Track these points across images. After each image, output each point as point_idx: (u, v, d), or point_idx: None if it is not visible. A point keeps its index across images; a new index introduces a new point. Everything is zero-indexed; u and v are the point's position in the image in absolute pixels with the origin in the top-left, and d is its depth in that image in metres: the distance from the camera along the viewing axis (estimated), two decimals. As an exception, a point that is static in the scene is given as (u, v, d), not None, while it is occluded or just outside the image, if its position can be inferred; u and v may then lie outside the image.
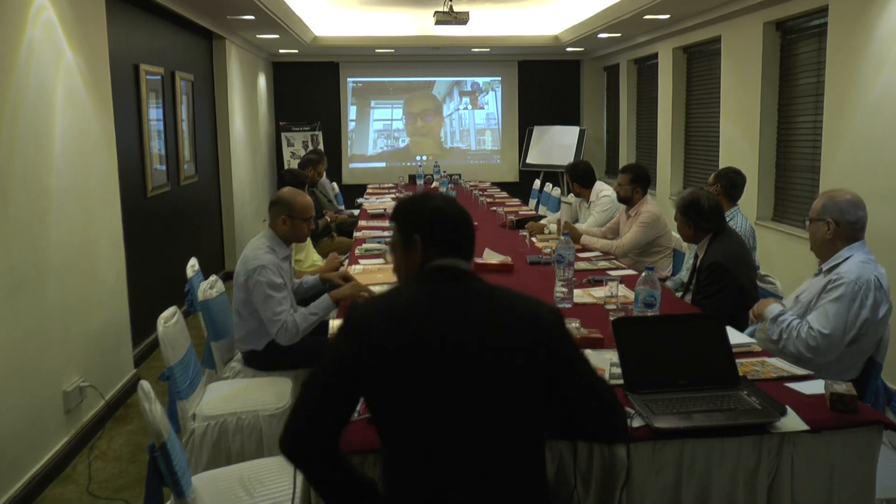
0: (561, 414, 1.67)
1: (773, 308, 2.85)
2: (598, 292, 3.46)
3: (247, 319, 3.33)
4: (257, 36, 8.14)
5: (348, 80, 11.16)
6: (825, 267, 2.79)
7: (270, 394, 3.09)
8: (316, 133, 10.72)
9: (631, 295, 3.29)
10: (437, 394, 1.56)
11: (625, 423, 1.74)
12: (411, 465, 1.58)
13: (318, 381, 1.61)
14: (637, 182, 4.70)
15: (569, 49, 10.07)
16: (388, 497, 1.61)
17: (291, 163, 10.03)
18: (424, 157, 11.16)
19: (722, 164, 6.51)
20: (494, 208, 6.43)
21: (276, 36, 8.18)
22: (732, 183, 4.21)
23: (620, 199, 4.81)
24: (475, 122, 11.46)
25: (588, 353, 2.53)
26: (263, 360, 3.39)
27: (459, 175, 9.17)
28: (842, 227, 2.72)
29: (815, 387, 2.28)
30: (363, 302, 1.70)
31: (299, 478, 1.97)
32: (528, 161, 10.72)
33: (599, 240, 4.82)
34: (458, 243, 1.72)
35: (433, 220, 1.73)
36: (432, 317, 1.61)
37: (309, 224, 3.49)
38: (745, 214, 4.20)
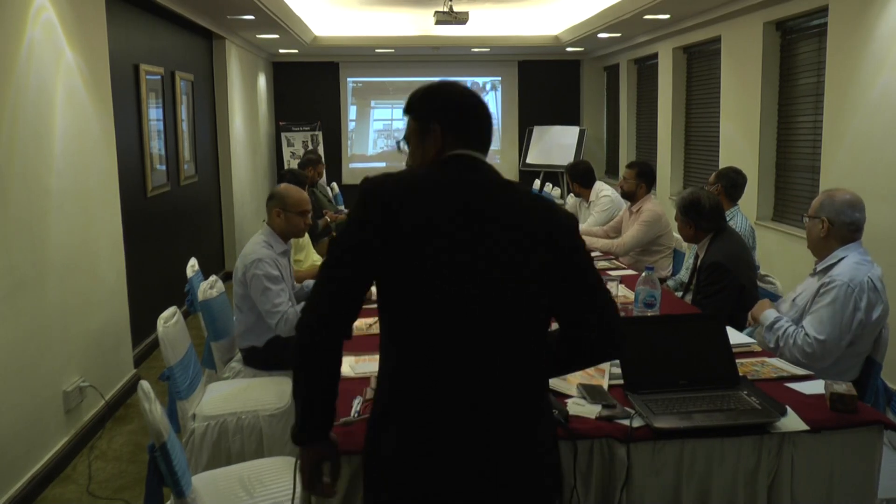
0: (564, 319, 1.64)
1: (768, 314, 2.83)
2: (598, 292, 3.46)
3: (246, 314, 3.36)
4: (257, 36, 8.14)
5: (348, 80, 11.16)
6: (819, 267, 2.78)
7: (270, 394, 3.10)
8: (316, 133, 10.72)
9: (631, 295, 3.29)
10: (453, 276, 1.52)
11: (624, 337, 1.67)
12: (418, 351, 1.53)
13: (340, 251, 1.56)
14: (642, 178, 4.70)
15: (569, 49, 10.07)
16: (393, 388, 1.56)
17: (291, 163, 10.03)
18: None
19: (722, 165, 6.51)
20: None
21: (276, 36, 8.18)
22: (733, 183, 4.21)
23: (624, 194, 4.82)
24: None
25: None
26: (264, 358, 3.39)
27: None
28: (836, 227, 2.71)
29: (815, 387, 2.29)
30: (378, 175, 1.62)
31: (299, 478, 1.97)
32: (527, 161, 10.72)
33: (600, 239, 4.82)
34: (478, 135, 1.67)
35: (455, 108, 1.67)
36: (454, 199, 1.56)
37: (304, 219, 3.50)
38: (744, 214, 4.20)
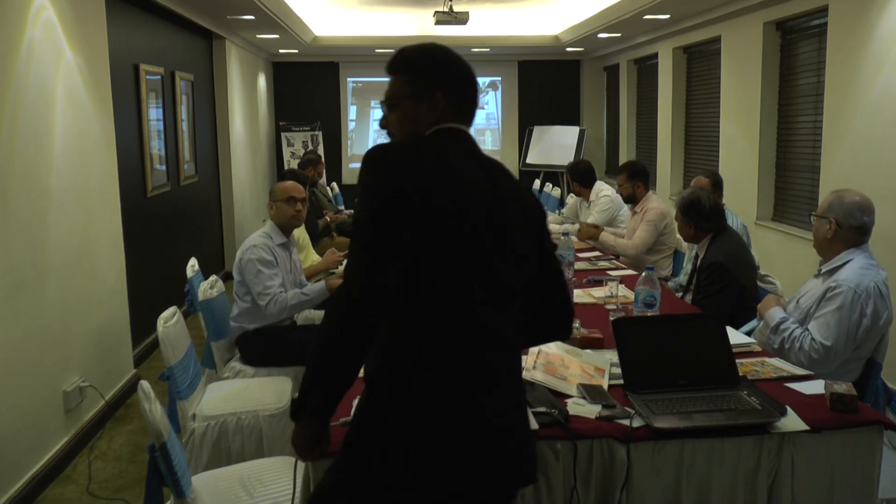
0: (533, 299, 1.65)
1: (773, 314, 2.79)
2: (598, 292, 3.46)
3: (243, 298, 3.47)
4: (257, 36, 8.14)
5: (348, 80, 11.16)
6: (824, 269, 2.75)
7: (270, 394, 3.10)
8: (316, 133, 10.72)
9: (631, 295, 3.29)
10: (466, 246, 1.50)
11: (572, 322, 1.76)
12: (431, 319, 1.48)
13: (367, 223, 1.45)
14: (635, 178, 4.70)
15: (569, 49, 10.07)
16: (399, 382, 1.49)
17: (291, 163, 10.04)
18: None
19: (722, 164, 6.51)
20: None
21: (276, 36, 8.18)
22: (721, 186, 4.27)
23: (625, 199, 4.83)
24: (475, 121, 11.43)
25: (588, 353, 2.55)
26: (259, 350, 3.43)
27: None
28: (843, 230, 2.67)
29: (815, 387, 2.28)
30: (388, 146, 1.53)
31: (299, 478, 1.97)
32: (528, 161, 10.71)
33: (618, 239, 4.81)
34: (472, 108, 1.61)
35: (457, 76, 1.58)
36: (463, 171, 1.52)
37: (293, 206, 3.59)
38: (744, 214, 4.20)
